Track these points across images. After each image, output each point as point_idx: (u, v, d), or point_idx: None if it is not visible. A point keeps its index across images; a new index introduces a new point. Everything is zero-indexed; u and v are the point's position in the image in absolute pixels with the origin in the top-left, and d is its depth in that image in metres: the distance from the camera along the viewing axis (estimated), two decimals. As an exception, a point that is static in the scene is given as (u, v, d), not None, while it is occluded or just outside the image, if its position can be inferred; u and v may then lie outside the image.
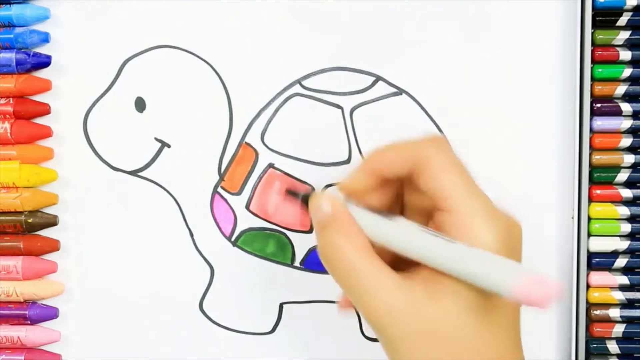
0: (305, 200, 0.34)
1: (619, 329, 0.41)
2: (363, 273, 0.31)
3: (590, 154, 0.41)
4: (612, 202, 0.42)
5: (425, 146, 0.33)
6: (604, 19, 0.41)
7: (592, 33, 0.41)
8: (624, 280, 0.41)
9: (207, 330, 0.42)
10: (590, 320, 0.42)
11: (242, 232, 0.42)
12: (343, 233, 0.32)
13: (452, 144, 0.39)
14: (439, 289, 0.30)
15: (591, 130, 0.41)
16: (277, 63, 0.42)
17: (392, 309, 0.30)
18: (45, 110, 0.41)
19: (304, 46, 0.42)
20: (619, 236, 0.42)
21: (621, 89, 0.41)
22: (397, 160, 0.33)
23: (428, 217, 0.33)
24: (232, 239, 0.42)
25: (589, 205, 0.41)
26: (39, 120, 0.42)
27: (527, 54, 0.42)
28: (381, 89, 0.42)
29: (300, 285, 0.42)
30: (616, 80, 0.41)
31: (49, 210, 0.42)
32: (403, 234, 0.31)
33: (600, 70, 0.41)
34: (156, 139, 0.42)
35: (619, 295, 0.41)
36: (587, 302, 0.42)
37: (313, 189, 0.36)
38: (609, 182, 0.42)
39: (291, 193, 0.35)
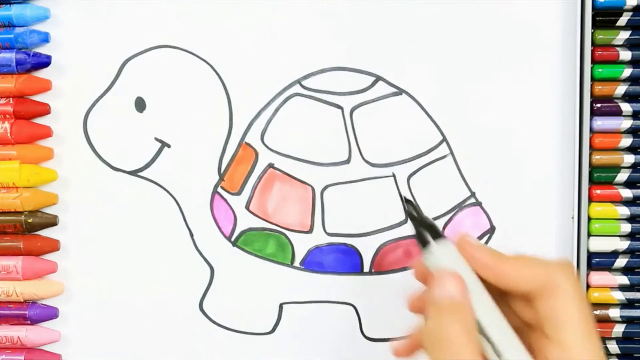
0: (422, 241, 0.32)
1: (619, 329, 0.41)
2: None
3: (590, 154, 0.41)
4: (612, 202, 0.41)
5: (557, 272, 0.31)
6: (604, 19, 0.41)
7: (592, 33, 0.41)
8: (624, 280, 0.41)
9: (207, 330, 0.42)
10: (590, 320, 0.42)
11: (242, 232, 0.42)
12: (462, 326, 0.30)
13: (460, 150, 0.39)
14: None
15: (591, 130, 0.41)
16: (277, 63, 0.42)
17: None
18: (45, 110, 0.41)
19: (304, 46, 0.42)
20: (619, 236, 0.42)
21: (621, 89, 0.41)
22: (529, 279, 0.32)
23: (523, 328, 0.32)
24: (232, 239, 0.42)
25: (589, 205, 0.41)
26: (39, 120, 0.42)
27: (527, 54, 0.41)
28: (381, 89, 0.42)
29: (300, 285, 0.42)
30: (616, 80, 0.41)
31: (49, 210, 0.42)
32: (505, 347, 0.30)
33: (600, 70, 0.41)
34: (156, 139, 0.42)
35: (619, 295, 0.41)
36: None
37: (438, 233, 0.32)
38: (609, 182, 0.42)
39: (409, 207, 0.33)
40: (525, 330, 0.32)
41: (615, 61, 0.41)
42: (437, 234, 0.31)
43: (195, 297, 0.42)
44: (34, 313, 0.41)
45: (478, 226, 0.42)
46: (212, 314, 0.42)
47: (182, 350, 0.42)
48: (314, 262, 0.42)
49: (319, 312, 0.42)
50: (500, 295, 0.32)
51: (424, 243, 0.32)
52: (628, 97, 0.41)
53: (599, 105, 0.41)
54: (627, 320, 0.41)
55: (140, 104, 0.42)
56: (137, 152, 0.42)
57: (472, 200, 0.42)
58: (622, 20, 0.41)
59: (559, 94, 0.42)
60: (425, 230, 0.32)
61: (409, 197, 0.38)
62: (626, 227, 0.41)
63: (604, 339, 0.42)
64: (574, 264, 0.34)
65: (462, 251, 0.32)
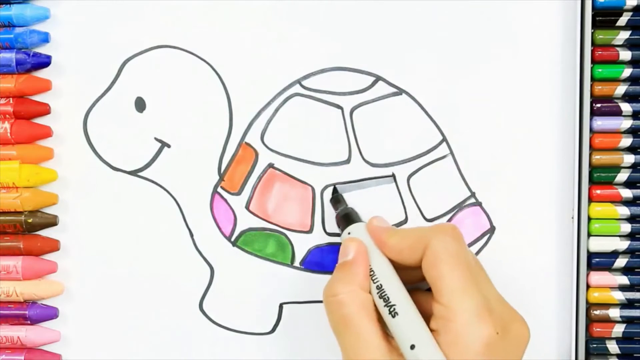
0: (342, 217, 0.38)
1: (619, 329, 0.41)
2: (355, 329, 0.32)
3: (590, 154, 0.41)
4: (612, 202, 0.41)
5: (431, 235, 0.34)
6: (604, 19, 0.41)
7: (592, 33, 0.41)
8: (624, 280, 0.41)
9: (207, 330, 0.42)
10: (590, 320, 0.42)
11: (242, 232, 0.42)
12: (351, 283, 0.34)
13: (460, 150, 0.40)
14: None
15: (591, 130, 0.41)
16: (277, 63, 0.42)
17: None
18: (45, 110, 0.41)
19: (304, 46, 0.42)
20: (619, 236, 0.42)
21: (621, 89, 0.41)
22: (409, 249, 0.34)
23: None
24: (232, 239, 0.42)
25: (589, 205, 0.41)
26: (39, 120, 0.42)
27: (527, 53, 0.42)
28: (381, 89, 0.42)
29: (300, 285, 0.42)
30: (616, 80, 0.41)
31: (49, 210, 0.42)
32: (399, 322, 0.33)
33: (600, 70, 0.41)
34: (156, 139, 0.42)
35: (619, 295, 0.41)
36: (587, 302, 0.42)
37: (352, 216, 0.38)
38: (609, 182, 0.42)
39: (335, 201, 0.40)
40: (433, 306, 0.33)
41: (615, 61, 0.41)
42: (355, 220, 0.38)
43: (195, 297, 0.42)
44: (34, 313, 0.41)
45: (478, 226, 0.42)
46: (212, 314, 0.42)
47: (182, 350, 0.42)
48: (314, 262, 0.42)
49: (319, 312, 0.42)
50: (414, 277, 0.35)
51: (341, 225, 0.38)
52: (628, 97, 0.41)
53: (599, 105, 0.41)
54: (627, 320, 0.41)
55: (140, 104, 0.42)
56: (137, 152, 0.42)
57: (472, 200, 0.42)
58: (622, 20, 0.41)
59: (559, 94, 0.42)
60: (345, 216, 0.38)
61: (338, 190, 0.41)
62: (626, 227, 0.41)
63: (604, 339, 0.42)
64: (453, 225, 0.35)
65: (369, 229, 0.36)
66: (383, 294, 0.33)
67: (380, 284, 0.34)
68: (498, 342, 0.31)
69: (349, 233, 0.37)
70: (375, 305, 0.34)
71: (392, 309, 0.33)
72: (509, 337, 0.32)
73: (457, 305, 0.32)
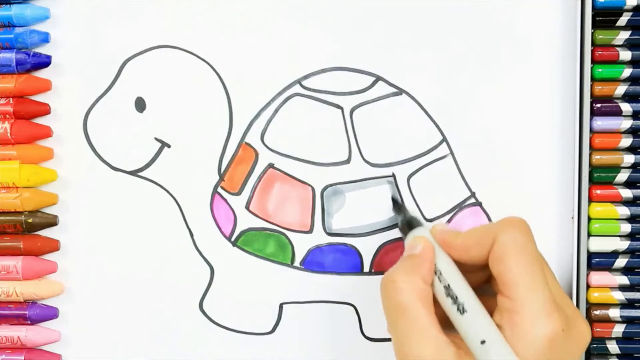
0: (406, 224, 0.38)
1: (619, 329, 0.41)
2: (411, 317, 0.32)
3: (590, 154, 0.41)
4: (612, 202, 0.41)
5: (498, 229, 0.33)
6: (604, 19, 0.41)
7: (592, 33, 0.41)
8: (624, 280, 0.41)
9: (207, 330, 0.42)
10: (590, 320, 0.42)
11: (242, 232, 0.42)
12: (413, 274, 0.33)
13: (460, 150, 0.40)
14: None
15: (591, 130, 0.41)
16: (277, 63, 0.42)
17: None
18: (45, 110, 0.41)
19: (304, 46, 0.42)
20: (619, 236, 0.42)
21: (621, 89, 0.41)
22: (476, 246, 0.34)
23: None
24: (232, 239, 0.42)
25: (589, 205, 0.41)
26: (39, 120, 0.42)
27: (527, 54, 0.42)
28: (381, 89, 0.42)
29: (300, 285, 0.42)
30: (616, 80, 0.41)
31: (49, 210, 0.42)
32: (468, 319, 0.32)
33: (600, 70, 0.41)
34: (156, 139, 0.42)
35: (619, 295, 0.41)
36: (587, 302, 0.42)
37: (416, 221, 0.38)
38: (609, 182, 0.42)
39: (398, 209, 0.40)
40: (498, 299, 0.33)
41: (615, 61, 0.41)
42: (417, 224, 0.37)
43: (195, 297, 0.42)
44: (34, 313, 0.41)
45: (478, 226, 0.42)
46: (212, 314, 0.42)
47: (182, 350, 0.42)
48: (314, 262, 0.42)
49: (319, 312, 0.42)
50: (482, 277, 0.35)
51: (405, 231, 0.37)
52: (628, 97, 0.41)
53: (599, 105, 0.41)
54: (627, 320, 0.41)
55: (140, 104, 0.42)
56: (137, 152, 0.42)
57: (472, 200, 0.42)
58: (622, 20, 0.41)
59: (559, 94, 0.42)
60: (408, 222, 0.38)
61: (397, 198, 0.41)
62: (626, 227, 0.41)
63: (604, 339, 0.42)
64: (521, 218, 0.35)
65: (434, 233, 0.36)
66: (450, 293, 0.33)
67: (448, 284, 0.33)
68: (562, 340, 0.31)
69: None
70: (435, 301, 0.33)
71: (460, 307, 0.32)
72: (571, 336, 0.32)
73: (525, 298, 0.31)
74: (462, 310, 0.32)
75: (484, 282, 0.35)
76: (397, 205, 0.40)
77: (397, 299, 0.33)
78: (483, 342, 0.31)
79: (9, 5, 0.41)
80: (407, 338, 0.32)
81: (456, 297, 0.33)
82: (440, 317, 0.33)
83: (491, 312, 0.33)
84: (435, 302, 0.33)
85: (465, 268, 0.34)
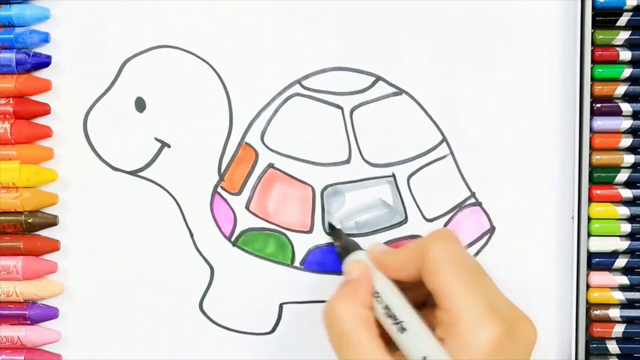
0: (343, 249, 0.38)
1: (619, 329, 0.41)
2: (354, 344, 0.32)
3: (590, 154, 0.41)
4: (612, 202, 0.41)
5: (427, 243, 0.34)
6: (604, 19, 0.41)
7: (592, 33, 0.41)
8: (624, 280, 0.41)
9: (207, 330, 0.42)
10: (590, 320, 0.42)
11: (242, 232, 0.42)
12: (351, 300, 0.33)
13: (460, 150, 0.40)
14: None
15: (591, 130, 0.41)
16: (277, 63, 0.42)
17: None
18: (45, 110, 0.41)
19: (304, 46, 0.42)
20: (619, 236, 0.42)
21: (621, 89, 0.41)
22: (405, 265, 0.34)
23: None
24: (232, 239, 0.42)
25: (589, 205, 0.41)
26: (39, 120, 0.42)
27: (527, 53, 0.42)
28: (381, 89, 0.42)
29: (300, 285, 0.42)
30: (616, 80, 0.41)
31: (49, 210, 0.42)
32: (408, 336, 0.32)
33: (600, 70, 0.41)
34: (156, 139, 0.42)
35: (619, 295, 0.41)
36: (587, 302, 0.42)
37: (353, 246, 0.38)
38: (609, 182, 0.42)
39: (334, 235, 0.40)
40: (435, 315, 0.33)
41: (615, 61, 0.41)
42: (353, 248, 0.38)
43: (195, 297, 0.42)
44: (34, 313, 0.41)
45: (478, 226, 0.42)
46: (212, 314, 0.42)
47: (182, 350, 0.42)
48: (314, 262, 0.42)
49: (319, 312, 0.42)
50: (419, 296, 0.35)
51: (343, 257, 0.37)
52: (628, 97, 0.41)
53: (599, 105, 0.41)
54: (627, 320, 0.41)
55: (140, 104, 0.42)
56: (137, 152, 0.42)
57: (472, 200, 0.42)
58: (622, 20, 0.41)
59: (559, 94, 0.42)
60: (344, 247, 0.38)
61: (333, 223, 0.41)
62: (626, 227, 0.41)
63: (604, 339, 0.42)
64: (447, 229, 0.35)
65: (370, 256, 0.36)
66: (390, 313, 0.33)
67: (387, 305, 0.34)
68: (506, 343, 0.31)
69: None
70: (378, 324, 0.34)
71: (400, 326, 0.33)
72: (516, 338, 0.32)
73: (461, 307, 0.31)
74: (401, 330, 0.32)
75: (428, 296, 0.35)
76: (334, 230, 0.41)
77: (339, 329, 0.33)
78: (424, 358, 0.31)
79: (9, 5, 0.41)
80: None
81: (395, 317, 0.33)
82: (386, 338, 0.33)
83: (434, 328, 0.33)
84: (380, 324, 0.34)
85: (406, 286, 0.35)
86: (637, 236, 0.42)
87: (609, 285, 0.41)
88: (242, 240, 0.42)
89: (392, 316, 0.33)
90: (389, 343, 0.33)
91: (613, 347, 0.41)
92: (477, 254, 0.42)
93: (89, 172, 0.42)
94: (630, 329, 0.41)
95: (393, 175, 0.42)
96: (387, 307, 0.33)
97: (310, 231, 0.41)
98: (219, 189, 0.42)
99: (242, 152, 0.42)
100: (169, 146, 0.42)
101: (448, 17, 0.41)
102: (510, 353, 0.31)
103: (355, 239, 0.41)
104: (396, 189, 0.41)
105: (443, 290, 0.32)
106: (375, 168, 0.42)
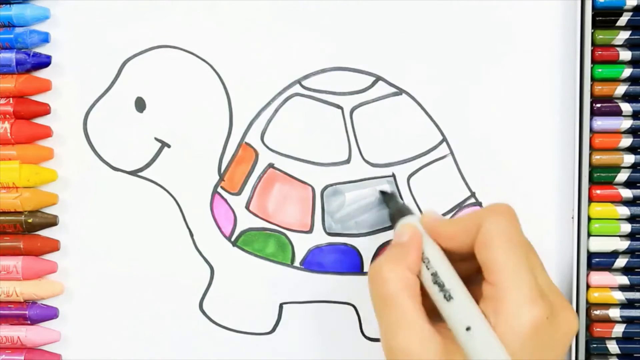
0: (396, 212, 0.37)
1: (619, 329, 0.41)
2: (397, 307, 0.32)
3: (590, 154, 0.41)
4: (612, 202, 0.41)
5: (484, 216, 0.33)
6: (604, 19, 0.41)
7: (592, 33, 0.41)
8: (624, 280, 0.41)
9: (207, 330, 0.42)
10: (590, 320, 0.42)
11: (242, 232, 0.42)
12: (399, 263, 0.33)
13: (460, 150, 0.40)
14: None
15: (591, 130, 0.41)
16: (277, 63, 0.42)
17: (408, 356, 0.31)
18: (45, 110, 0.41)
19: (304, 46, 0.42)
20: (619, 236, 0.42)
21: (621, 89, 0.41)
22: (459, 234, 0.34)
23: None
24: (232, 239, 0.42)
25: (589, 205, 0.41)
26: (39, 120, 0.42)
27: (527, 53, 0.42)
28: (381, 89, 0.42)
29: (300, 285, 0.42)
30: (616, 80, 0.41)
31: (49, 210, 0.42)
32: (453, 306, 0.32)
33: (600, 70, 0.41)
34: (156, 139, 0.42)
35: (619, 295, 0.41)
36: (587, 302, 0.42)
37: (406, 210, 0.37)
38: (609, 182, 0.42)
39: (384, 195, 0.40)
40: (482, 287, 0.33)
41: (615, 61, 0.41)
42: (406, 212, 0.36)
43: (195, 297, 0.42)
44: (34, 313, 0.41)
45: (478, 226, 0.42)
46: (212, 314, 0.42)
47: (182, 350, 0.42)
48: (314, 262, 0.42)
49: (319, 312, 0.42)
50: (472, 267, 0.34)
51: (395, 220, 0.36)
52: (628, 97, 0.41)
53: (599, 105, 0.41)
54: (627, 320, 0.41)
55: (140, 104, 0.42)
56: (137, 152, 0.42)
57: (472, 200, 0.42)
58: (622, 20, 0.41)
59: (559, 94, 0.42)
60: (398, 210, 0.37)
61: (385, 189, 0.41)
62: (626, 227, 0.41)
63: (604, 339, 0.42)
64: (507, 205, 0.34)
65: (423, 221, 0.35)
66: (437, 280, 0.33)
67: (435, 272, 0.33)
68: (547, 328, 0.30)
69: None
70: (422, 291, 0.33)
71: (446, 294, 0.32)
72: (557, 324, 0.31)
73: (509, 284, 0.31)
74: (448, 298, 0.32)
75: (475, 271, 0.34)
76: (387, 195, 0.40)
77: (383, 290, 0.32)
78: (468, 328, 0.31)
79: (9, 5, 0.41)
80: (393, 329, 0.31)
81: (443, 284, 0.32)
82: (428, 308, 0.32)
83: (478, 302, 0.32)
84: (425, 293, 0.33)
85: (455, 257, 0.34)
86: (637, 236, 0.42)
87: (609, 285, 0.41)
88: (242, 240, 0.42)
89: (439, 283, 0.32)
90: (431, 314, 0.33)
91: (613, 347, 0.41)
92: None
93: (89, 172, 0.42)
94: (630, 329, 0.41)
95: (393, 175, 0.42)
96: (435, 274, 0.33)
97: (310, 231, 0.41)
98: (219, 189, 0.42)
99: (242, 152, 0.42)
100: (169, 146, 0.42)
101: (448, 17, 0.41)
102: (549, 338, 0.31)
103: (356, 239, 0.41)
104: (396, 189, 0.41)
105: (494, 264, 0.31)
106: (375, 168, 0.42)
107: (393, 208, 0.38)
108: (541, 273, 0.33)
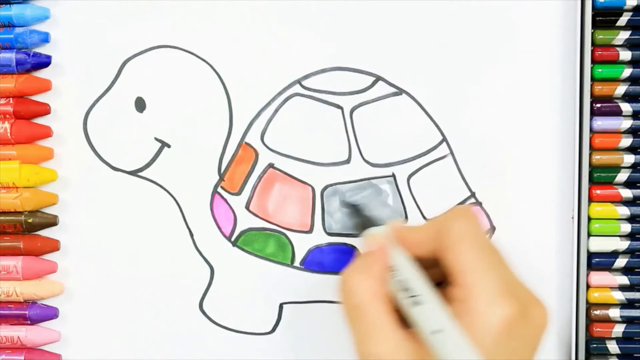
0: (361, 225, 0.37)
1: (619, 329, 0.41)
2: (367, 317, 0.32)
3: (590, 154, 0.41)
4: (612, 202, 0.41)
5: (446, 220, 0.33)
6: (604, 19, 0.41)
7: (592, 33, 0.41)
8: (624, 280, 0.41)
9: (207, 330, 0.42)
10: (590, 320, 0.42)
11: (242, 232, 0.42)
12: (366, 272, 0.33)
13: (460, 150, 0.40)
14: None
15: (591, 130, 0.41)
16: (277, 63, 0.42)
17: None
18: (45, 110, 0.41)
19: (304, 46, 0.42)
20: (619, 236, 0.42)
21: (621, 89, 0.41)
22: (425, 240, 0.34)
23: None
24: (232, 239, 0.42)
25: (589, 205, 0.41)
26: (39, 120, 0.42)
27: (527, 53, 0.42)
28: (381, 89, 0.42)
29: (300, 285, 0.42)
30: (616, 80, 0.41)
31: (49, 210, 0.42)
32: (422, 310, 0.32)
33: (600, 70, 0.41)
34: (156, 139, 0.42)
35: (619, 295, 0.41)
36: (587, 302, 0.42)
37: (374, 221, 0.37)
38: (609, 182, 0.42)
39: (350, 207, 0.40)
40: (447, 290, 0.33)
41: (615, 61, 0.41)
42: (372, 224, 0.37)
43: (195, 297, 0.42)
44: (34, 313, 0.41)
45: (478, 226, 0.42)
46: (212, 314, 0.42)
47: (182, 350, 0.42)
48: (314, 262, 0.42)
49: (319, 312, 0.42)
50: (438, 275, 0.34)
51: (362, 231, 0.36)
52: (628, 97, 0.41)
53: (599, 105, 0.41)
54: (627, 320, 0.41)
55: (140, 104, 0.42)
56: (137, 152, 0.42)
57: (472, 200, 0.42)
58: (622, 20, 0.41)
59: (559, 94, 0.42)
60: (363, 223, 0.37)
61: (350, 202, 0.41)
62: (626, 227, 0.41)
63: (604, 339, 0.42)
64: (468, 207, 0.34)
65: (390, 230, 0.35)
66: (405, 286, 0.33)
67: (402, 278, 0.33)
68: (518, 324, 0.30)
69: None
70: (392, 299, 0.33)
71: (414, 299, 0.32)
72: (529, 320, 0.31)
73: (476, 283, 0.31)
74: (415, 303, 0.32)
75: (443, 278, 0.34)
76: (354, 206, 0.40)
77: (352, 300, 0.32)
78: (437, 331, 0.30)
79: (9, 5, 0.41)
80: (365, 338, 0.32)
81: (410, 290, 0.32)
82: (401, 316, 0.33)
83: (449, 305, 0.32)
84: (394, 301, 0.33)
85: (426, 264, 0.34)
86: (637, 236, 0.42)
87: (609, 285, 0.41)
88: (242, 240, 0.42)
89: (406, 290, 0.32)
90: (404, 321, 0.33)
91: (613, 347, 0.41)
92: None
93: (89, 172, 0.42)
94: (630, 329, 0.41)
95: (393, 175, 0.42)
96: (402, 281, 0.33)
97: (310, 231, 0.41)
98: (219, 189, 0.42)
99: (242, 152, 0.42)
100: (169, 146, 0.42)
101: (448, 17, 0.41)
102: (521, 334, 0.30)
103: (356, 239, 0.41)
104: (396, 189, 0.41)
105: (460, 265, 0.31)
106: (375, 168, 0.42)
107: (360, 220, 0.39)
108: (507, 270, 0.33)
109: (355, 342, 0.33)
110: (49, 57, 0.41)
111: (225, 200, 0.42)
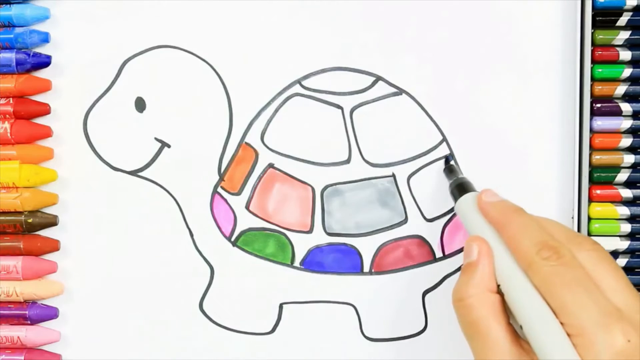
0: (455, 187, 0.38)
1: (619, 329, 0.41)
2: (483, 333, 0.31)
3: (590, 154, 0.41)
4: (612, 202, 0.41)
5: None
6: (604, 19, 0.41)
7: (592, 33, 0.41)
8: (624, 280, 0.41)
9: (207, 330, 0.42)
10: (590, 320, 0.42)
11: (242, 232, 0.42)
12: (477, 286, 0.32)
13: (460, 150, 0.40)
14: None
15: (591, 130, 0.41)
16: (277, 63, 0.42)
17: None
18: (45, 110, 0.41)
19: (304, 46, 0.42)
20: (619, 236, 0.42)
21: (621, 89, 0.41)
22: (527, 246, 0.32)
23: None
24: (232, 239, 0.42)
25: (589, 205, 0.41)
26: (39, 120, 0.42)
27: (527, 53, 0.41)
28: (381, 89, 0.42)
29: (300, 285, 0.42)
30: (616, 80, 0.41)
31: (49, 210, 0.42)
32: (534, 332, 0.30)
33: (600, 70, 0.41)
34: (156, 139, 0.42)
35: (619, 295, 0.41)
36: (587, 302, 0.42)
37: (466, 186, 0.37)
38: (609, 182, 0.42)
39: (449, 170, 0.40)
40: None
41: (615, 61, 0.41)
42: (467, 190, 0.37)
43: (195, 297, 0.42)
44: (34, 313, 0.41)
45: (478, 226, 0.42)
46: (212, 314, 0.42)
47: (182, 350, 0.42)
48: (314, 262, 0.42)
49: (319, 312, 0.42)
50: None
51: (455, 197, 0.37)
52: (628, 97, 0.41)
53: (599, 105, 0.41)
54: (627, 320, 0.41)
55: (140, 104, 0.42)
56: (137, 152, 0.42)
57: (472, 200, 0.42)
58: (622, 20, 0.41)
59: (559, 94, 0.42)
60: (459, 186, 0.38)
61: (450, 159, 0.41)
62: (626, 227, 0.41)
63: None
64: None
65: (480, 209, 0.35)
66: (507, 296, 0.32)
67: (506, 288, 0.32)
68: (630, 352, 0.28)
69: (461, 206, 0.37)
70: (506, 310, 0.32)
71: (528, 324, 0.31)
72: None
73: (576, 314, 0.29)
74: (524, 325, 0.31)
75: None
76: (449, 167, 0.40)
77: (469, 317, 0.32)
78: (545, 348, 0.29)
79: (9, 5, 0.41)
80: (482, 354, 0.31)
81: (520, 317, 0.31)
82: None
83: None
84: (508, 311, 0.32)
85: None
86: (637, 236, 0.42)
87: (609, 285, 0.41)
88: (242, 240, 0.42)
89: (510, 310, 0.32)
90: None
91: (613, 347, 0.41)
92: (477, 254, 0.42)
93: (89, 172, 0.42)
94: (630, 329, 0.41)
95: (393, 175, 0.42)
96: (506, 292, 0.32)
97: (310, 231, 0.41)
98: (219, 189, 0.42)
99: (242, 152, 0.42)
100: (169, 146, 0.42)
101: (448, 17, 0.41)
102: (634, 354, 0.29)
103: (356, 239, 0.41)
104: (396, 189, 0.41)
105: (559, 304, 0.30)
106: (375, 168, 0.42)
107: (453, 181, 0.38)
108: (611, 286, 0.31)
109: (474, 355, 0.32)
110: (49, 57, 0.41)
111: (225, 200, 0.42)
